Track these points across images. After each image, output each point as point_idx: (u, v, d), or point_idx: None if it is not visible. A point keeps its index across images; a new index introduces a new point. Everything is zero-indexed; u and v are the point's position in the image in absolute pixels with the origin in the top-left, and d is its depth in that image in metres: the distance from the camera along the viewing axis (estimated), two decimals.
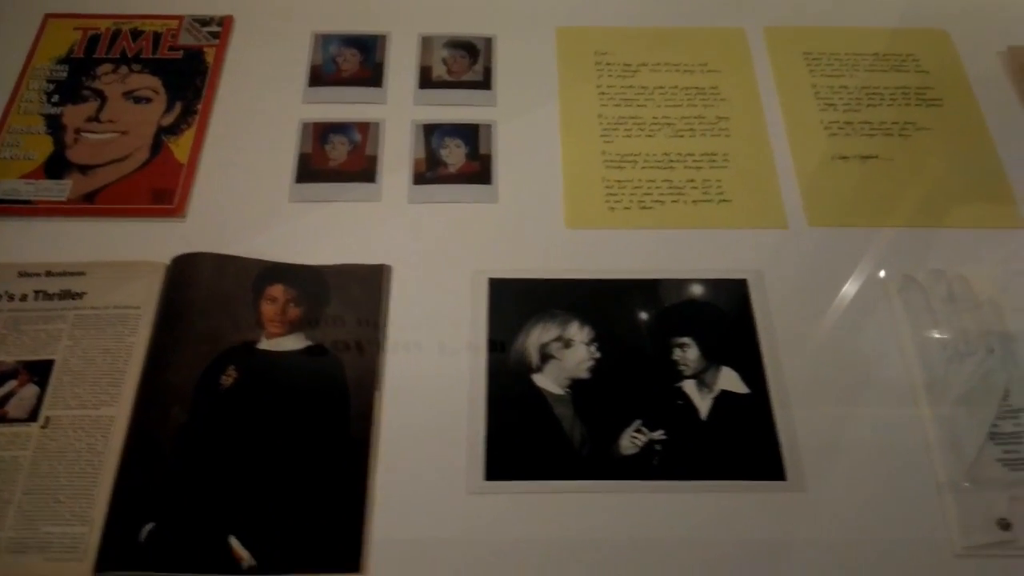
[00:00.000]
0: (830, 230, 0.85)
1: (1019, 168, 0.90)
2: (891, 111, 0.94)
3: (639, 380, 0.76)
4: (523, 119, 0.93)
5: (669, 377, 0.76)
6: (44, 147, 0.88)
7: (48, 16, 0.99)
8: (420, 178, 0.87)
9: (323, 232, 0.84)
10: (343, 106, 0.93)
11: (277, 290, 0.79)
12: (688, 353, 0.77)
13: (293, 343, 0.76)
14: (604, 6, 1.03)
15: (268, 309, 0.78)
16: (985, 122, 0.93)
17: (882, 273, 0.82)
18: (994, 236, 0.85)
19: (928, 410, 0.74)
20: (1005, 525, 0.68)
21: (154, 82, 0.95)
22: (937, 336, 0.78)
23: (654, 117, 0.93)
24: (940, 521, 0.69)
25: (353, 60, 0.96)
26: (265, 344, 0.76)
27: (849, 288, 0.81)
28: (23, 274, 0.79)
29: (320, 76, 0.95)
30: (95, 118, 0.91)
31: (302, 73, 0.96)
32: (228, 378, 0.74)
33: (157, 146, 0.89)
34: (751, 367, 0.76)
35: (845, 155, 0.90)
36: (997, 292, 0.81)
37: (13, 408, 0.72)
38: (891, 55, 0.99)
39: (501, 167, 0.89)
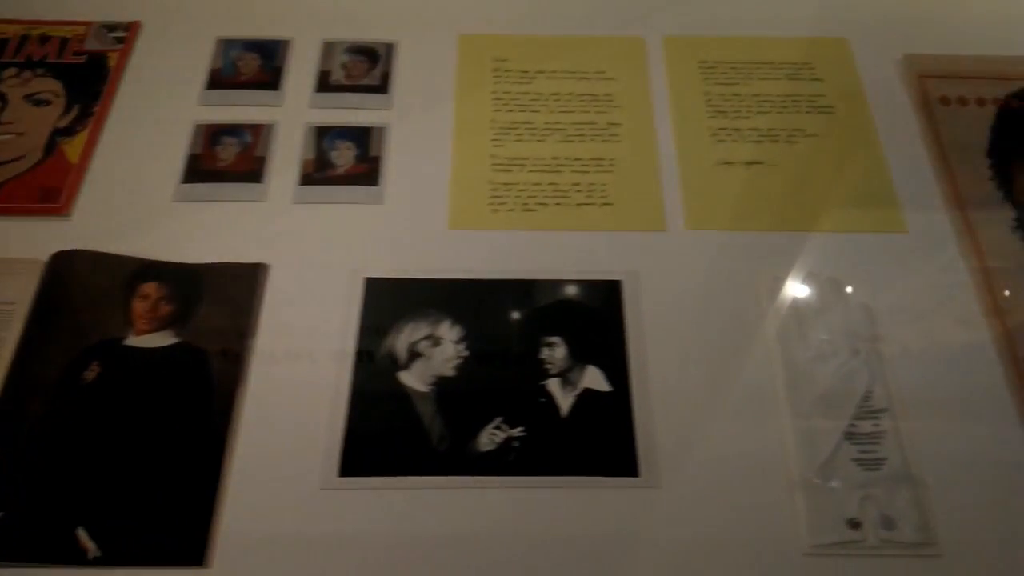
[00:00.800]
0: (708, 233, 0.86)
1: (906, 174, 0.91)
2: (781, 118, 0.95)
3: (505, 378, 0.76)
4: (417, 123, 0.94)
5: (535, 375, 0.76)
6: None
7: None
8: (307, 179, 0.88)
9: (206, 232, 0.85)
10: (239, 108, 0.94)
11: (150, 288, 0.79)
12: (556, 352, 0.77)
13: (160, 340, 0.77)
14: (509, 14, 1.05)
15: (139, 306, 0.78)
16: (875, 129, 0.95)
17: (755, 275, 0.83)
18: (876, 240, 0.86)
19: (788, 410, 0.74)
20: (855, 524, 0.68)
21: (55, 85, 0.96)
22: (802, 337, 0.78)
23: (546, 122, 0.94)
24: (791, 520, 0.69)
25: (253, 64, 0.98)
26: (132, 340, 0.76)
27: (722, 290, 0.82)
28: None
29: (219, 80, 0.97)
30: None
31: (203, 77, 0.97)
32: (91, 373, 0.74)
33: (51, 147, 0.90)
34: (618, 366, 0.77)
35: (730, 161, 0.91)
36: (870, 295, 0.82)
37: None
38: (787, 64, 1.00)
39: (390, 169, 0.90)
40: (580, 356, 0.77)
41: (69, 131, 0.92)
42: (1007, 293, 0.82)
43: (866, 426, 0.73)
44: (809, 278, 0.82)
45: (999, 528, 0.69)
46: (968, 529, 0.69)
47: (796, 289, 0.81)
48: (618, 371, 0.76)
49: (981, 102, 0.97)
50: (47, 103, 0.94)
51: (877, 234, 0.86)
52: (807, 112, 0.96)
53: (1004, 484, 0.71)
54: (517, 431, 0.73)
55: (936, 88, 0.98)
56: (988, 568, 0.67)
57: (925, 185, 0.90)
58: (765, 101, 0.97)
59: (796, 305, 0.80)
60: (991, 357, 0.78)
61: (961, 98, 0.97)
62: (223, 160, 0.89)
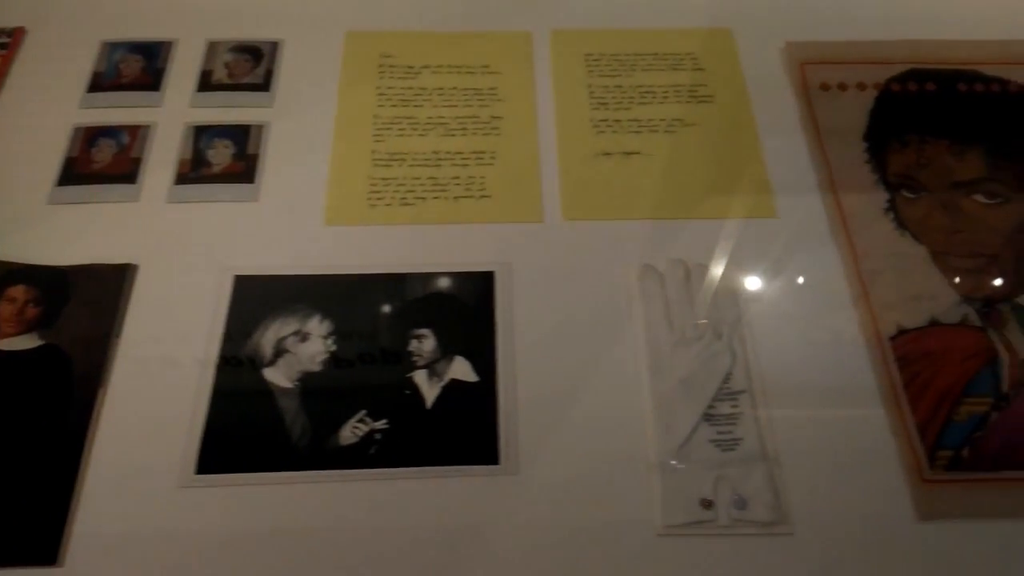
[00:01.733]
0: (585, 223, 0.87)
1: (782, 160, 0.92)
2: (662, 109, 0.96)
3: (371, 372, 0.76)
4: (298, 120, 0.94)
5: (403, 368, 0.76)
6: None
7: None
8: (182, 178, 0.88)
9: (78, 234, 0.84)
10: (119, 110, 0.94)
11: (18, 291, 0.79)
12: (424, 344, 0.78)
13: (24, 343, 0.76)
14: (398, 11, 1.05)
15: (6, 309, 0.78)
16: (754, 117, 0.96)
17: (627, 263, 0.83)
18: (747, 226, 0.87)
19: (649, 394, 0.75)
20: (707, 504, 0.69)
21: None
22: (667, 322, 0.79)
23: (429, 117, 0.94)
24: (647, 502, 0.70)
25: (135, 66, 0.97)
26: None
27: (594, 278, 0.83)
28: None
29: (100, 82, 0.96)
30: None
31: (86, 80, 0.96)
32: None
33: None
34: (486, 357, 0.77)
35: (609, 152, 0.92)
36: (737, 279, 0.83)
37: None
38: (670, 55, 1.01)
39: (268, 167, 0.90)
40: (449, 348, 0.78)
41: None
42: (875, 275, 0.83)
43: (725, 407, 0.74)
44: (678, 264, 0.82)
45: (851, 508, 0.70)
46: (820, 509, 0.70)
47: (665, 276, 0.82)
48: (486, 361, 0.77)
49: (862, 87, 0.98)
50: None
51: (748, 220, 0.87)
52: (688, 102, 0.97)
53: (859, 465, 0.72)
54: (380, 424, 0.73)
55: (816, 74, 0.99)
56: (837, 546, 0.68)
57: (800, 170, 0.91)
58: (647, 92, 0.98)
59: (664, 291, 0.81)
60: (856, 340, 0.79)
61: (841, 84, 0.98)
62: (98, 162, 0.89)
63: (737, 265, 0.84)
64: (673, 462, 0.71)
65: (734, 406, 0.74)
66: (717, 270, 0.83)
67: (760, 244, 0.86)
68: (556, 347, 0.78)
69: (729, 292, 0.81)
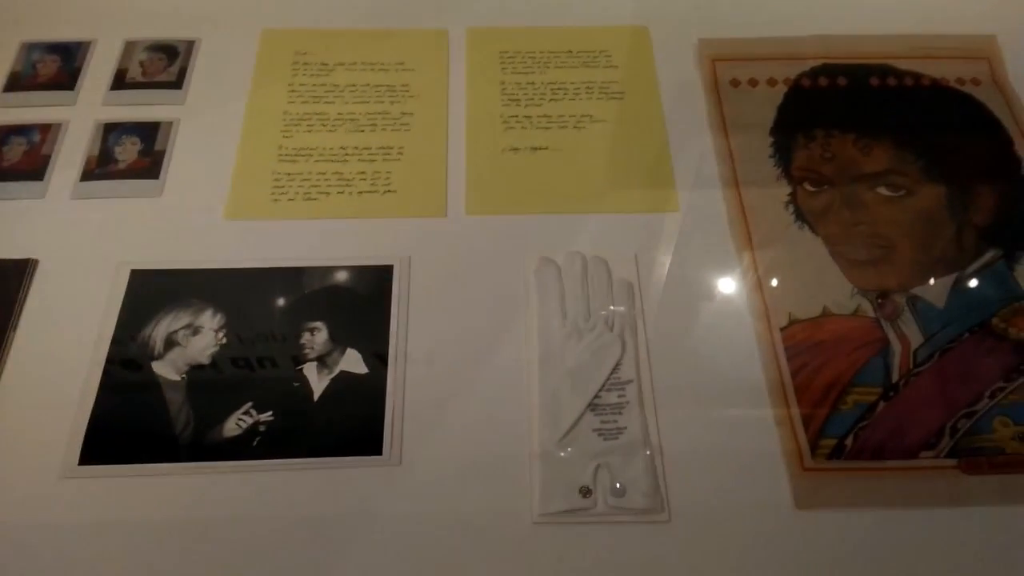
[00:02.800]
0: (488, 218, 0.87)
1: (688, 155, 0.93)
2: (572, 105, 0.97)
3: (262, 365, 0.76)
4: (208, 117, 0.94)
5: (294, 361, 0.77)
6: None
7: None
8: (88, 175, 0.89)
9: None
10: (34, 109, 0.95)
11: None
12: (317, 337, 0.78)
13: None
14: (316, 9, 1.05)
15: None
16: (663, 113, 0.96)
17: (527, 257, 0.84)
18: (649, 220, 0.88)
19: (536, 385, 0.75)
20: (586, 492, 0.69)
21: None
22: (561, 313, 0.79)
23: (339, 113, 0.95)
24: (527, 491, 0.70)
25: (52, 65, 0.98)
26: None
27: (492, 272, 0.83)
28: None
29: (16, 82, 0.97)
30: None
31: (2, 80, 0.97)
32: None
33: None
34: (379, 348, 0.77)
35: (517, 147, 0.93)
36: (634, 272, 0.83)
37: None
38: (585, 52, 1.02)
39: (175, 163, 0.90)
40: (341, 340, 0.78)
41: None
42: (771, 268, 0.84)
43: (612, 397, 0.75)
44: (575, 257, 0.83)
45: (730, 496, 0.71)
46: (700, 496, 0.70)
47: (562, 268, 0.82)
48: (377, 354, 0.77)
49: (772, 82, 0.99)
50: None
51: (650, 214, 0.88)
52: (598, 99, 0.98)
53: (742, 454, 0.73)
54: (266, 416, 0.73)
55: (727, 71, 1.00)
56: (714, 533, 0.69)
57: (705, 166, 0.92)
58: (559, 89, 0.98)
59: (560, 284, 0.81)
60: (748, 330, 0.80)
61: (752, 80, 0.99)
62: (8, 160, 0.90)
63: (636, 258, 0.84)
64: (555, 451, 0.71)
65: (621, 396, 0.75)
66: (615, 263, 0.83)
67: (660, 237, 0.86)
68: (449, 340, 0.79)
69: (625, 284, 0.82)
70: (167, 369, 0.76)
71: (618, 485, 0.70)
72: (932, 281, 0.83)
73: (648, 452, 0.72)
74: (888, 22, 1.04)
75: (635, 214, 0.88)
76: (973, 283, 0.83)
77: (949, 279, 0.83)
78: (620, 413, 0.74)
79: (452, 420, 0.74)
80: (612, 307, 0.80)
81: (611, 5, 1.08)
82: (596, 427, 0.73)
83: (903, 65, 1.00)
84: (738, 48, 1.02)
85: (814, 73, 0.99)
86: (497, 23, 1.05)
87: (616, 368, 0.76)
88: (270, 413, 0.74)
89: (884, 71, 0.99)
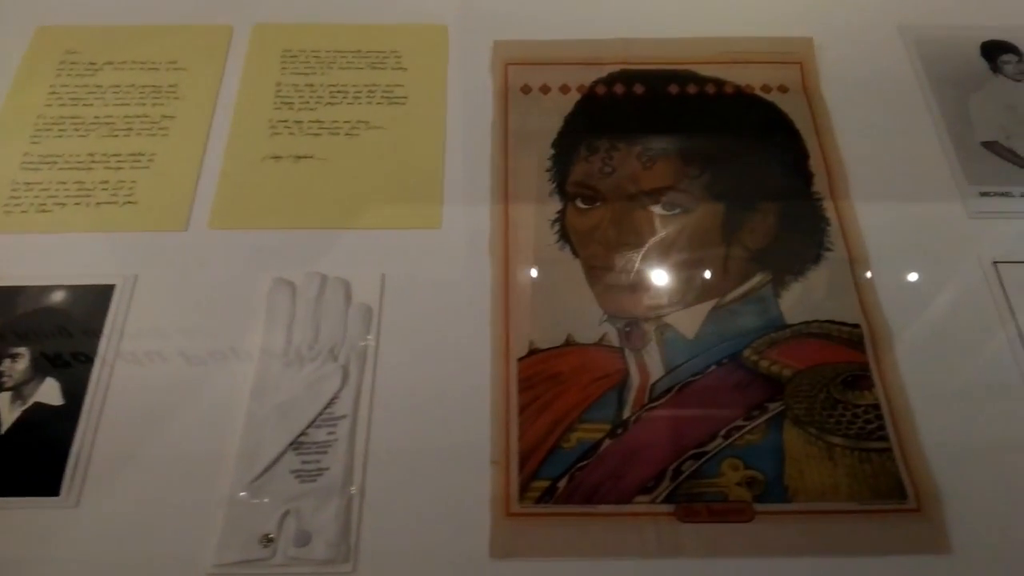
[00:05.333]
0: (232, 233, 0.82)
1: (463, 166, 0.87)
2: (350, 110, 0.91)
3: None
4: None
5: None
6: None
7: None
8: None
9: None
10: None
11: None
12: (18, 364, 0.73)
13: None
14: (97, 3, 0.99)
15: None
16: (445, 120, 0.91)
17: (266, 276, 0.79)
18: (407, 237, 0.83)
19: (243, 421, 0.71)
20: (268, 541, 0.65)
21: None
22: (287, 340, 0.74)
23: (96, 117, 0.89)
24: (208, 538, 0.65)
25: None
26: None
27: (226, 293, 0.78)
28: None
29: None
30: None
31: None
32: None
33: None
34: (80, 378, 0.72)
35: (279, 155, 0.87)
36: (377, 295, 0.78)
37: None
38: (374, 52, 0.96)
39: None
40: (42, 368, 0.73)
41: None
42: (522, 291, 0.79)
43: (321, 434, 0.70)
44: (313, 278, 0.78)
45: (428, 544, 0.66)
46: (396, 545, 0.66)
47: (297, 291, 0.77)
48: (78, 383, 0.72)
49: (565, 89, 0.93)
50: None
51: (408, 231, 0.83)
52: (379, 103, 0.92)
53: (451, 497, 0.68)
54: None
55: (519, 76, 0.94)
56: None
57: (478, 178, 0.86)
58: (339, 92, 0.92)
59: (291, 308, 0.76)
60: (483, 360, 0.75)
61: (544, 86, 0.93)
62: None
63: (382, 280, 0.79)
64: (244, 495, 0.67)
65: (331, 433, 0.70)
66: (359, 285, 0.78)
67: (415, 257, 0.81)
68: (163, 369, 0.74)
69: (364, 309, 0.77)
70: None
71: (303, 533, 0.65)
72: (688, 308, 0.78)
73: (347, 496, 0.67)
74: (701, 24, 0.98)
75: (393, 230, 0.83)
76: (732, 311, 0.78)
77: (706, 306, 0.78)
78: (325, 452, 0.69)
79: (146, 458, 0.69)
80: (344, 334, 0.75)
81: (413, 1, 1.01)
82: (296, 468, 0.68)
83: (708, 71, 0.94)
84: (534, 51, 0.96)
85: (611, 79, 0.94)
86: (289, 19, 0.99)
87: (332, 402, 0.71)
88: None
89: (686, 78, 0.94)
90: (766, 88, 0.93)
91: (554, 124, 0.90)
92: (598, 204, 0.84)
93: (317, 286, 0.77)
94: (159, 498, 0.68)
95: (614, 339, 0.76)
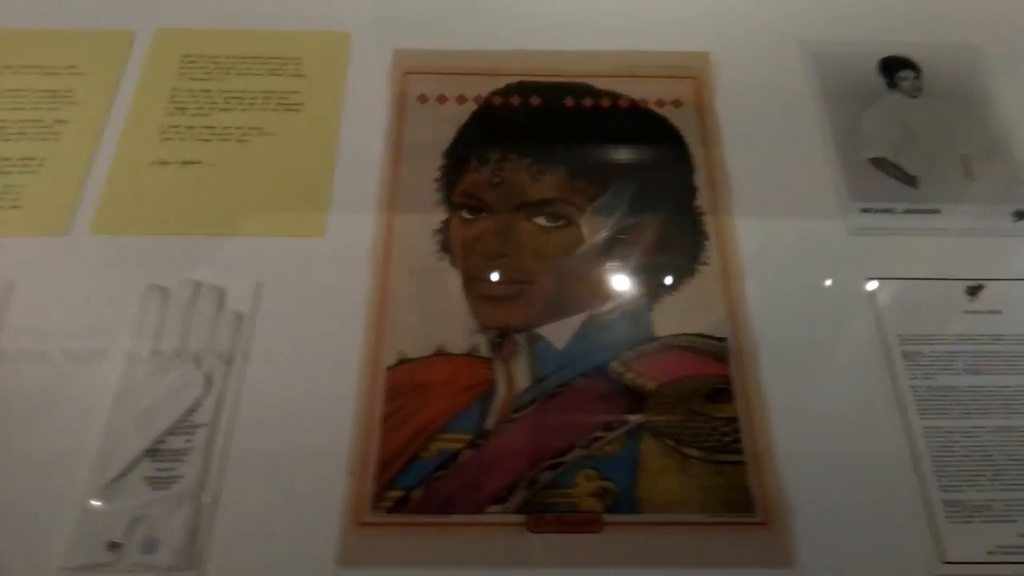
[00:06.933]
0: (114, 238, 0.83)
1: (352, 175, 0.87)
2: (244, 116, 0.91)
3: None
4: None
5: None
6: None
7: None
8: None
9: None
10: None
11: None
12: None
13: None
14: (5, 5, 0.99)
15: None
16: (340, 128, 0.91)
17: (142, 282, 0.79)
18: (290, 245, 0.83)
19: (102, 430, 0.71)
20: (114, 547, 0.65)
21: None
22: (154, 347, 0.75)
23: None
24: (59, 540, 0.66)
25: None
26: None
27: (101, 299, 0.78)
28: None
29: None
30: None
31: None
32: None
33: None
34: None
35: (167, 161, 0.88)
36: (250, 303, 0.79)
37: None
38: (274, 59, 0.96)
39: None
40: None
41: None
42: (397, 301, 0.79)
43: (178, 442, 0.71)
44: (187, 285, 0.78)
45: (276, 552, 0.67)
46: (244, 553, 0.67)
47: (171, 297, 0.78)
48: None
49: (462, 100, 0.94)
50: None
51: (291, 239, 0.83)
52: (274, 110, 0.92)
53: (303, 506, 0.69)
54: None
55: (417, 85, 0.95)
56: None
57: (367, 187, 0.87)
58: (234, 98, 0.93)
59: (162, 315, 0.77)
60: (351, 369, 0.75)
61: (441, 96, 0.94)
62: None
63: (258, 288, 0.79)
64: (95, 501, 0.67)
65: (188, 440, 0.71)
66: (236, 292, 0.79)
67: (295, 265, 0.82)
68: (30, 371, 0.74)
69: (235, 317, 0.77)
70: None
71: (150, 539, 0.66)
72: (561, 320, 0.79)
73: (199, 504, 0.68)
74: (603, 38, 0.99)
75: (275, 238, 0.83)
76: (605, 323, 0.79)
77: (580, 318, 0.79)
78: (181, 460, 0.70)
79: (4, 459, 0.70)
80: (213, 342, 0.75)
81: (319, 7, 1.02)
82: (150, 475, 0.69)
83: (605, 85, 0.95)
84: (434, 61, 0.96)
85: (508, 91, 0.94)
86: (196, 24, 0.99)
87: (193, 410, 0.72)
88: None
89: (582, 91, 0.95)
90: (660, 102, 0.94)
91: (447, 134, 0.91)
92: (483, 215, 0.85)
93: (190, 293, 0.78)
94: (15, 500, 0.68)
95: (485, 350, 0.77)
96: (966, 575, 0.67)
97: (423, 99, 0.94)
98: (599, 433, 0.73)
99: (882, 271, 0.82)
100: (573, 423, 0.73)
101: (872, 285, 0.81)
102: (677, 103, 0.94)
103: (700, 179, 0.89)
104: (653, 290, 0.81)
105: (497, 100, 0.94)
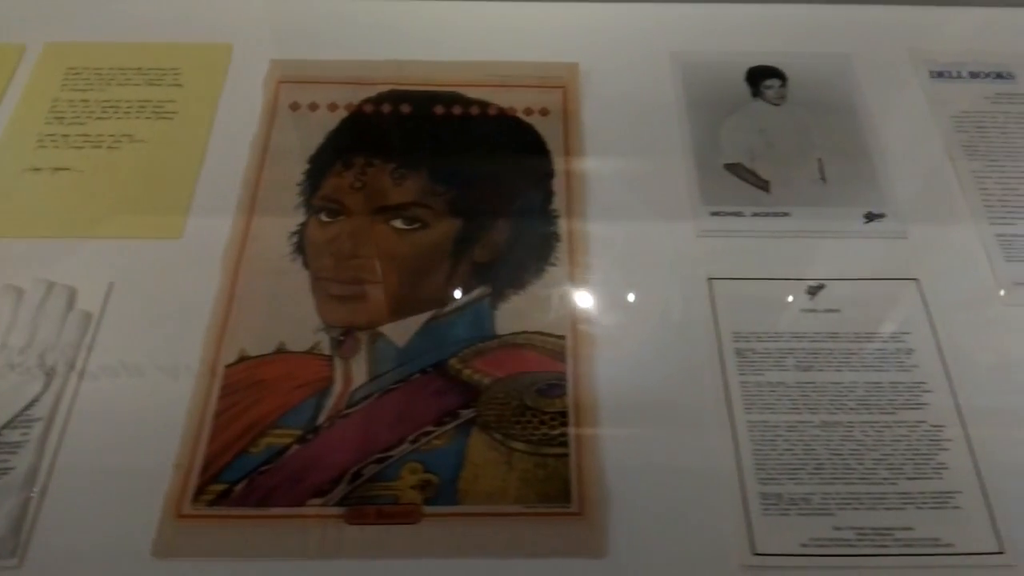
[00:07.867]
0: None
1: (214, 181, 0.89)
2: (117, 124, 0.94)
3: None
4: None
5: None
6: None
7: None
8: None
9: None
10: None
11: None
12: None
13: None
14: None
15: None
16: (209, 136, 0.94)
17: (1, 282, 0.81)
18: (147, 247, 0.85)
19: None
20: None
21: None
22: (1, 343, 0.77)
23: None
24: None
25: None
26: None
27: None
28: None
29: None
30: None
31: None
32: None
33: None
34: None
35: (39, 167, 0.90)
36: (101, 303, 0.80)
37: None
38: (154, 70, 0.99)
39: None
40: None
41: None
42: (244, 300, 0.81)
43: (14, 435, 0.72)
44: (40, 285, 0.80)
45: (93, 545, 0.68)
46: (64, 544, 0.68)
47: (24, 297, 0.80)
48: None
49: (333, 107, 0.96)
50: None
51: (148, 240, 0.85)
52: (148, 118, 0.95)
53: (126, 502, 0.70)
54: None
55: (290, 94, 0.97)
56: None
57: (229, 192, 0.89)
58: (111, 107, 0.95)
59: (13, 314, 0.79)
60: (192, 367, 0.77)
61: (313, 104, 0.97)
62: None
63: (110, 287, 0.81)
64: None
65: (24, 434, 0.72)
66: (88, 292, 0.81)
67: (148, 266, 0.84)
68: None
69: (83, 316, 0.79)
70: None
71: None
72: (405, 319, 0.80)
73: (26, 495, 0.69)
74: (476, 48, 1.02)
75: (133, 240, 0.85)
76: (448, 322, 0.81)
77: (423, 317, 0.81)
78: (15, 453, 0.71)
79: None
80: (60, 340, 0.77)
81: (206, 20, 1.05)
82: None
83: (475, 94, 0.98)
84: (308, 70, 0.99)
85: (379, 99, 0.97)
86: (84, 38, 1.02)
87: (32, 405, 0.74)
88: None
89: (452, 99, 0.97)
90: (528, 111, 0.97)
91: (315, 140, 0.93)
92: (341, 218, 0.87)
93: (42, 293, 0.80)
94: None
95: (327, 348, 0.79)
96: (775, 567, 0.68)
97: (295, 107, 0.96)
98: (429, 428, 0.74)
99: (726, 271, 0.84)
100: (405, 418, 0.75)
101: (712, 285, 0.83)
102: (544, 111, 0.97)
103: (558, 184, 0.91)
104: (499, 290, 0.83)
105: (368, 108, 0.96)
